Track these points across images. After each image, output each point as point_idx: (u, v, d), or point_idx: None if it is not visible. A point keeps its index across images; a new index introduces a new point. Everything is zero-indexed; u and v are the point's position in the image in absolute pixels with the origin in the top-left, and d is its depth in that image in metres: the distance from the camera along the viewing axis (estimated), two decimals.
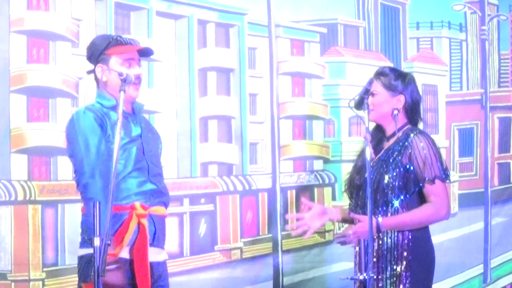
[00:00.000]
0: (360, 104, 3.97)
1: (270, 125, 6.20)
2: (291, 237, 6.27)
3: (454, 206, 7.19)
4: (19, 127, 5.15)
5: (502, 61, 7.55)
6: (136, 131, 3.90)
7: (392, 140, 4.17)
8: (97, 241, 3.43)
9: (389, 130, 4.19)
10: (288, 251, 6.21)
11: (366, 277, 3.80)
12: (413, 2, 7.28)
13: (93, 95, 5.15)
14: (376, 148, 4.14)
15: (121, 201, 3.77)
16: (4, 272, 5.01)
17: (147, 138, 3.93)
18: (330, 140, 6.62)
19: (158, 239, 3.89)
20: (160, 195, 3.92)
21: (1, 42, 5.04)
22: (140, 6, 5.66)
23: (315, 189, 6.46)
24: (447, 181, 4.11)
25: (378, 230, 4.05)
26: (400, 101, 4.14)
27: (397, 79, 4.16)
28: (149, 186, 3.87)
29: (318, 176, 6.49)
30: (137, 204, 3.79)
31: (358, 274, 3.89)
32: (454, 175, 7.24)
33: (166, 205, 3.97)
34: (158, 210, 3.89)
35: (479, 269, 7.13)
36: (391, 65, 7.01)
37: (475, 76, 7.52)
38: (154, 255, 3.89)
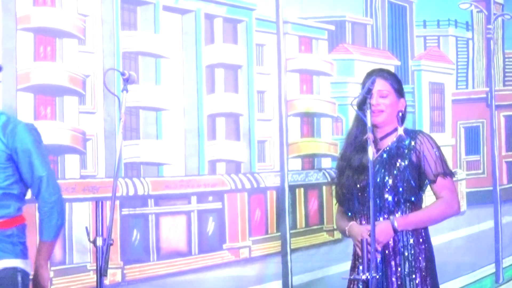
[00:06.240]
0: (362, 104, 3.94)
1: (278, 122, 6.16)
2: (299, 235, 6.26)
3: (463, 204, 7.16)
4: None
5: (506, 60, 7.56)
6: None
7: (386, 141, 4.15)
8: (99, 241, 3.45)
9: (382, 131, 4.16)
10: (297, 249, 6.17)
11: (369, 277, 3.75)
12: (420, 1, 7.28)
13: (100, 92, 5.13)
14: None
15: None
16: None
17: None
18: (338, 138, 6.59)
19: None
20: None
21: (8, 40, 5.00)
22: (147, 0, 5.61)
23: (324, 187, 6.44)
24: (454, 178, 4.16)
25: (395, 231, 4.04)
26: (403, 104, 4.19)
27: (399, 83, 4.21)
28: None
29: (327, 174, 6.47)
30: None
31: (361, 274, 3.83)
32: (461, 173, 7.22)
33: None
34: None
35: (491, 268, 7.11)
36: (398, 63, 7.02)
37: (481, 75, 7.51)
38: None
